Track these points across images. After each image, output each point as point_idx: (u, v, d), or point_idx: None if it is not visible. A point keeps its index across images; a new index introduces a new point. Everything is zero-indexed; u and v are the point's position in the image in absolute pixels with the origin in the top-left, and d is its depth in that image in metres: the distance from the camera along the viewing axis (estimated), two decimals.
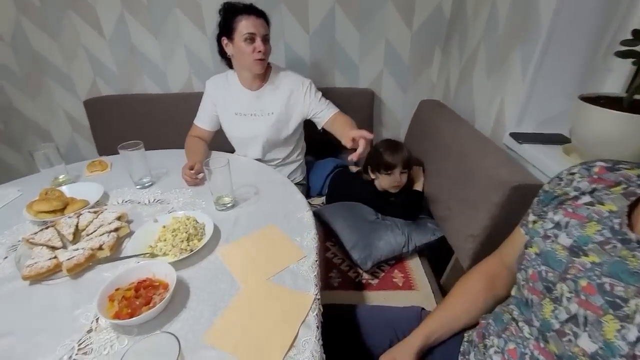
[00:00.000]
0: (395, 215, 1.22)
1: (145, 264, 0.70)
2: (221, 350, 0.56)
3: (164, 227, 0.82)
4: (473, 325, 0.68)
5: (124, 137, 1.65)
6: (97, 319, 0.61)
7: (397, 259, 1.13)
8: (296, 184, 1.39)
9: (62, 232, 0.81)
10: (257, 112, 1.23)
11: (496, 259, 0.70)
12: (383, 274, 1.09)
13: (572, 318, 0.45)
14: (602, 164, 0.52)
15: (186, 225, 0.80)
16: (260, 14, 1.10)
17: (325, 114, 1.25)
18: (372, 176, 1.26)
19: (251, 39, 1.08)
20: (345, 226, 1.15)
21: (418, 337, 0.67)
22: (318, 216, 1.30)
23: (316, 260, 0.76)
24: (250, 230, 0.86)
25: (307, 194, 1.50)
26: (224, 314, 0.63)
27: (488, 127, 1.19)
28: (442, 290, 1.06)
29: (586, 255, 0.46)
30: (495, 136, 1.14)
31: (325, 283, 1.06)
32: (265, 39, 1.12)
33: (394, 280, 1.07)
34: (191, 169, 1.04)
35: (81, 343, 0.58)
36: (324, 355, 0.59)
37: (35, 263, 0.71)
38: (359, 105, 1.66)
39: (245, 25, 1.07)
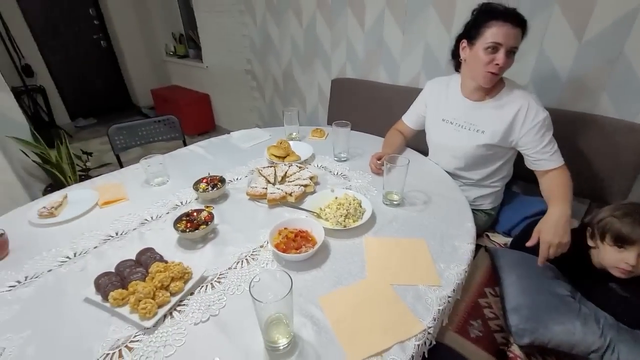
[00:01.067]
0: (607, 308, 0.86)
1: (310, 220, 0.87)
2: (325, 317, 0.64)
3: (336, 198, 0.97)
4: None
5: (348, 115, 1.96)
6: (267, 242, 0.83)
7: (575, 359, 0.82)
8: (481, 211, 1.23)
9: (277, 173, 1.11)
10: (467, 125, 1.13)
11: None
12: None
13: None
14: None
15: (350, 204, 0.91)
16: (519, 24, 0.94)
17: (540, 165, 1.03)
18: (592, 243, 0.93)
19: (494, 48, 0.95)
20: (516, 282, 0.93)
21: None
22: (492, 257, 1.11)
23: (449, 297, 0.69)
24: (400, 235, 0.87)
25: (491, 227, 1.29)
26: (342, 290, 0.70)
27: None
28: None
29: None
30: None
31: (462, 327, 0.93)
32: (511, 52, 0.97)
33: None
34: (379, 159, 1.13)
35: (254, 251, 0.82)
36: None
37: (255, 187, 1.03)
38: (625, 145, 1.19)
39: (494, 33, 0.95)
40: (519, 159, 1.19)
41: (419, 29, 1.66)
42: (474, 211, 1.20)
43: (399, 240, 0.84)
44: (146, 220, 0.94)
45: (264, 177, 1.09)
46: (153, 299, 0.65)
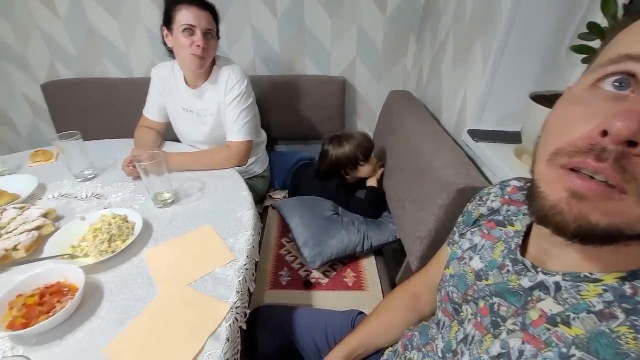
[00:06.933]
0: (356, 211, 1.19)
1: (57, 267, 0.66)
2: None
3: (91, 225, 0.78)
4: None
5: (85, 122, 1.60)
6: None
7: (352, 258, 1.10)
8: (257, 177, 1.35)
9: None
10: (199, 111, 1.14)
11: (421, 277, 0.67)
12: (335, 273, 1.06)
13: (465, 339, 0.42)
14: (516, 183, 0.50)
15: (110, 225, 0.76)
16: (204, 7, 0.98)
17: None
18: (353, 174, 1.21)
19: (190, 30, 0.96)
20: (299, 223, 1.11)
21: (339, 356, 0.64)
22: (278, 211, 1.26)
23: (245, 265, 0.72)
24: (185, 231, 0.81)
25: (271, 187, 1.45)
26: (132, 324, 0.59)
27: (452, 123, 1.13)
28: None
29: (487, 279, 0.43)
30: (457, 133, 1.09)
31: (274, 282, 1.03)
32: (209, 34, 1.00)
33: (345, 280, 1.03)
34: (130, 162, 0.98)
35: None
36: None
37: None
38: (330, 94, 1.59)
39: (184, 16, 0.95)
40: (264, 121, 1.36)
41: (132, 12, 1.49)
42: (251, 179, 1.31)
43: (184, 237, 0.79)
44: None
45: None
46: None
